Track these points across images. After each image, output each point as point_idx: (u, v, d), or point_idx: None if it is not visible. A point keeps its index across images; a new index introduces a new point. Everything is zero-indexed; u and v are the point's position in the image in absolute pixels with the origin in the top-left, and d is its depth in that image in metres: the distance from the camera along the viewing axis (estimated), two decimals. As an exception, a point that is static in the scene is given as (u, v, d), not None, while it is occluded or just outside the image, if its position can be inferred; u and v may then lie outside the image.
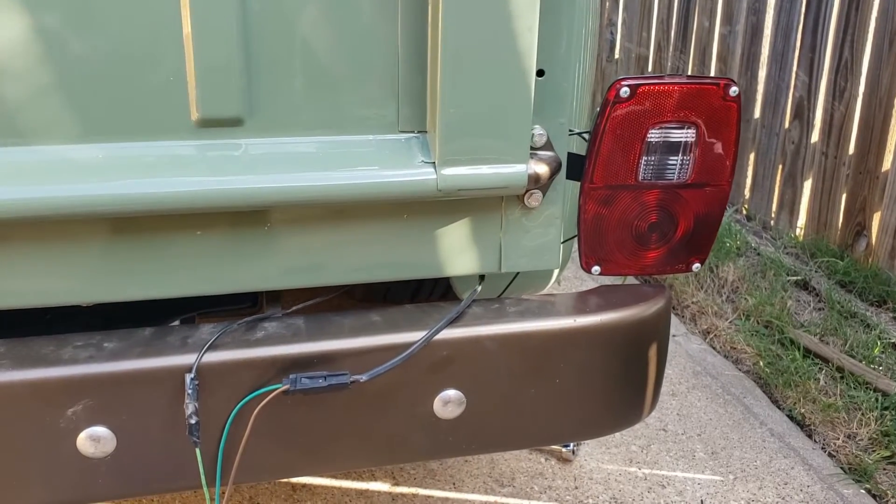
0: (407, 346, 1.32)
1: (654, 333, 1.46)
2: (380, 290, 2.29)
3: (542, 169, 1.33)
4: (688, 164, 1.41)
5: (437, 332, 1.33)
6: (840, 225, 3.81)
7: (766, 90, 4.20)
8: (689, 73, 4.80)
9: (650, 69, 5.28)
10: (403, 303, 2.25)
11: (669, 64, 5.02)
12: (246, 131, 1.25)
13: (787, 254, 3.96)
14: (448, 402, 1.37)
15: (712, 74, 4.59)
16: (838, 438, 2.68)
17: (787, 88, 4.05)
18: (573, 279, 3.74)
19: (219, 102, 1.22)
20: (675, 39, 4.96)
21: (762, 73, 4.23)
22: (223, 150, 1.24)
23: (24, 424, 1.22)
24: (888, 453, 2.60)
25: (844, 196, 3.76)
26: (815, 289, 3.63)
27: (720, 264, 3.79)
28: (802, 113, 3.97)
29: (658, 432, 2.70)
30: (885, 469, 2.55)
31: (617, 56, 5.75)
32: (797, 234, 4.07)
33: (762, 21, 4.19)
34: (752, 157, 4.33)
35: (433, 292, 2.28)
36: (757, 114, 4.27)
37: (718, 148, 1.41)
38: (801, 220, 4.06)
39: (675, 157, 1.40)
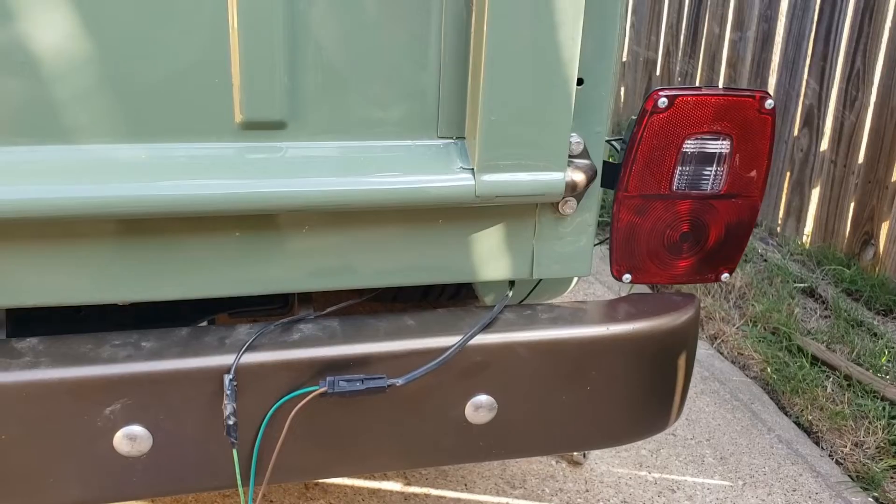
0: (441, 350, 1.32)
1: (683, 342, 1.47)
2: (389, 291, 2.31)
3: (579, 177, 1.34)
4: (721, 175, 1.42)
5: (472, 336, 1.34)
6: (847, 233, 3.82)
7: (776, 97, 4.21)
8: (698, 78, 4.81)
9: (658, 74, 5.29)
10: (413, 303, 2.26)
11: (678, 69, 5.03)
12: (288, 135, 1.26)
13: (793, 261, 3.97)
14: (480, 407, 1.38)
15: (721, 80, 4.61)
16: (846, 446, 2.69)
17: (797, 96, 4.07)
18: (581, 281, 3.74)
19: (262, 106, 1.22)
20: (684, 44, 4.97)
21: (772, 81, 4.24)
22: (265, 152, 1.25)
23: (62, 422, 1.23)
24: (895, 462, 2.62)
25: (852, 205, 3.78)
26: (821, 296, 3.64)
27: (727, 270, 3.81)
28: (812, 121, 3.99)
29: (667, 437, 2.71)
30: (892, 478, 2.57)
31: (625, 59, 5.76)
32: (804, 241, 4.09)
33: (773, 28, 4.20)
34: (759, 163, 4.35)
35: (442, 294, 2.29)
36: (766, 120, 4.29)
37: (751, 160, 1.42)
38: (809, 227, 4.08)
39: (710, 168, 1.41)
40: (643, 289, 3.41)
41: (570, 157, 1.34)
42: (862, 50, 3.66)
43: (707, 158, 1.40)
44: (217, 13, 1.17)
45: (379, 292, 2.29)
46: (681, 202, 1.42)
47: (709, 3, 4.69)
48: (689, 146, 1.38)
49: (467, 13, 1.26)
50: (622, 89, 5.77)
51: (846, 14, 3.74)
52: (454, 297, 2.32)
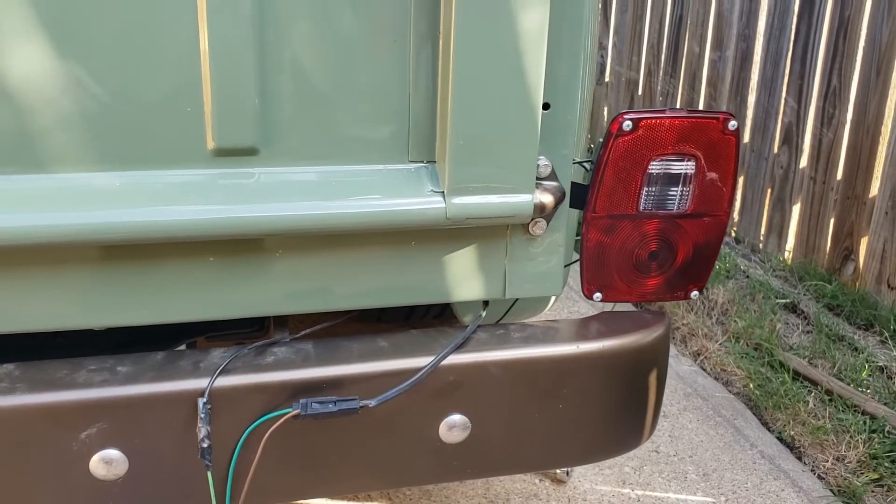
0: (414, 371, 1.34)
1: (654, 360, 1.49)
2: (374, 311, 2.32)
3: (548, 199, 1.37)
4: (687, 195, 1.45)
5: (444, 357, 1.36)
6: (828, 249, 3.86)
7: (756, 115, 4.26)
8: (679, 97, 4.86)
9: (640, 93, 5.35)
10: (398, 324, 2.27)
11: (659, 88, 5.09)
12: (260, 161, 1.28)
13: (775, 277, 4.01)
14: (453, 426, 1.40)
15: (702, 99, 4.66)
16: (827, 461, 2.71)
17: (776, 114, 4.12)
18: (563, 298, 3.77)
19: (235, 132, 1.25)
20: (665, 64, 5.03)
21: (752, 99, 4.29)
22: (238, 178, 1.27)
23: (38, 447, 1.24)
24: (876, 476, 2.63)
25: (832, 221, 3.82)
26: (803, 312, 3.68)
27: (710, 287, 3.84)
28: (791, 138, 4.04)
29: (650, 453, 2.72)
30: (873, 492, 2.59)
31: (607, 79, 5.82)
32: (786, 257, 4.13)
33: (752, 48, 4.26)
34: (741, 181, 4.39)
35: (427, 313, 2.31)
36: (746, 138, 4.34)
37: (717, 179, 1.45)
38: (790, 243, 4.11)
39: (675, 189, 1.44)
40: (628, 306, 3.44)
41: (538, 179, 1.36)
42: (838, 68, 3.72)
43: (673, 179, 1.43)
44: (189, 43, 1.20)
45: (363, 314, 2.31)
46: (648, 222, 1.45)
47: (688, 23, 4.76)
48: (655, 167, 1.41)
49: (435, 40, 1.29)
50: (605, 109, 5.83)
51: (821, 33, 3.79)
52: (439, 316, 2.34)
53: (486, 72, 1.26)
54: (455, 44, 1.23)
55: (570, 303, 3.76)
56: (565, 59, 1.35)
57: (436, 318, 2.28)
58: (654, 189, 1.43)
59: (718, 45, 4.49)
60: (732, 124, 1.41)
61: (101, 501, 1.28)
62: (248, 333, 1.63)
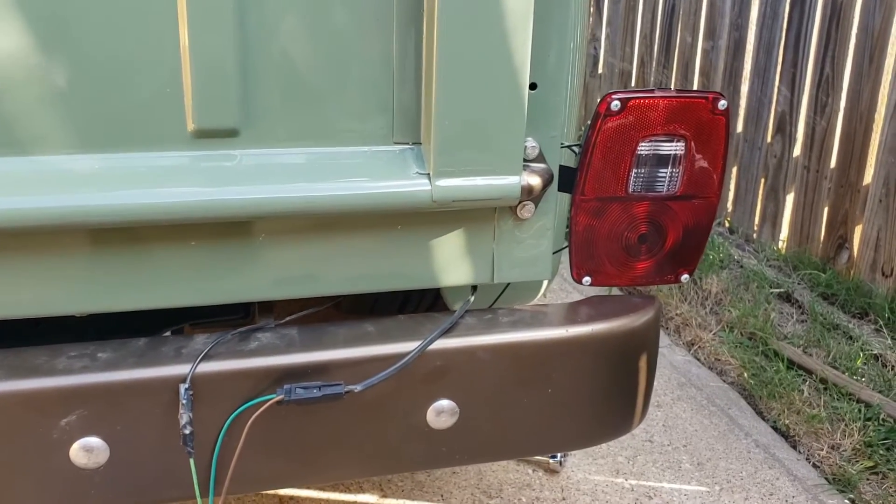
0: (401, 356, 1.32)
1: (644, 344, 1.47)
2: (367, 302, 2.30)
3: (535, 181, 1.35)
4: (677, 177, 1.43)
5: (431, 342, 1.34)
6: (822, 238, 3.85)
7: (749, 105, 4.25)
8: (672, 88, 4.84)
9: (633, 84, 5.33)
10: (392, 314, 2.25)
11: (653, 79, 5.07)
12: (241, 142, 1.26)
13: (769, 266, 3.99)
14: (441, 412, 1.38)
15: (696, 89, 4.64)
16: (822, 449, 2.70)
17: (769, 103, 4.10)
18: (558, 291, 3.76)
19: (215, 114, 1.23)
20: (658, 54, 5.01)
21: (745, 88, 4.27)
22: (219, 161, 1.25)
23: (16, 435, 1.22)
24: (871, 464, 2.62)
25: (826, 209, 3.81)
26: (797, 301, 3.66)
27: (704, 276, 3.83)
28: (784, 127, 4.02)
29: (644, 443, 2.71)
30: (868, 479, 2.57)
31: (601, 71, 5.80)
32: (780, 246, 4.11)
33: (744, 37, 4.24)
34: (734, 170, 4.38)
35: (420, 304, 2.29)
36: (739, 128, 4.32)
37: (707, 161, 1.43)
38: (784, 232, 4.10)
39: (665, 170, 1.42)
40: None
41: (525, 161, 1.34)
42: (830, 56, 3.70)
43: (662, 160, 1.41)
44: (168, 23, 1.18)
45: (355, 306, 2.29)
46: (637, 204, 1.43)
47: (681, 12, 4.74)
48: (644, 148, 1.39)
49: (419, 18, 1.27)
50: (597, 100, 5.80)
51: (814, 21, 3.77)
52: (432, 307, 2.32)
53: (471, 50, 1.24)
54: (439, 22, 1.21)
55: (564, 294, 3.74)
56: (553, 38, 1.33)
57: (429, 309, 2.26)
58: (643, 171, 1.41)
59: (711, 34, 4.47)
60: (722, 104, 1.39)
61: (82, 490, 1.26)
62: (233, 320, 1.61)
